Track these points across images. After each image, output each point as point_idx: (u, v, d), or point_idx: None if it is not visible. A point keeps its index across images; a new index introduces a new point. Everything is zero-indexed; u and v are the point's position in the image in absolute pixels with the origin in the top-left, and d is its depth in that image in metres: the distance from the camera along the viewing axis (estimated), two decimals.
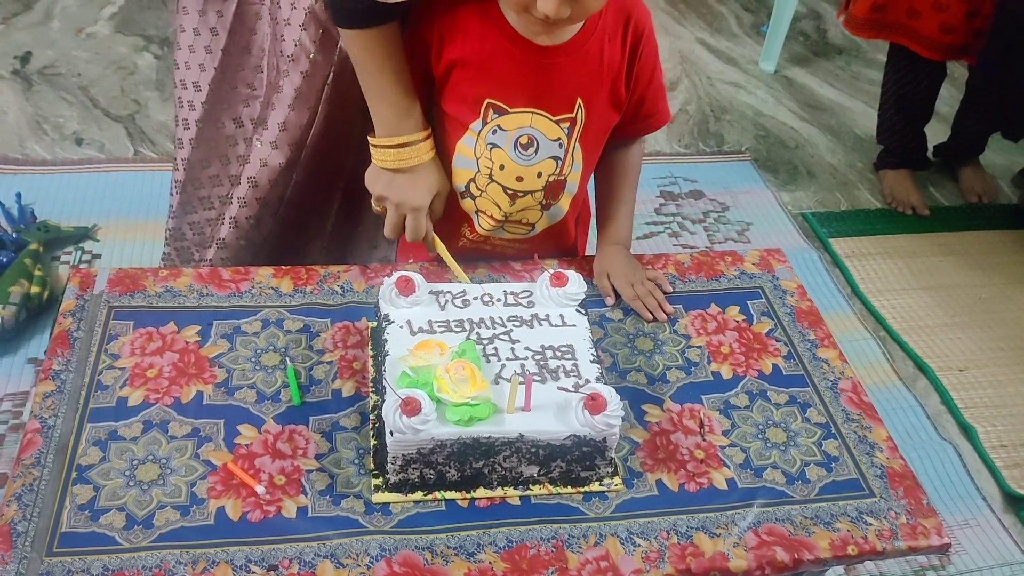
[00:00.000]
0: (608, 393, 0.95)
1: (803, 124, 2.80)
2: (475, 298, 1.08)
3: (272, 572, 0.87)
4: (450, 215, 1.22)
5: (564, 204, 1.23)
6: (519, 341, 1.03)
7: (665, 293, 1.22)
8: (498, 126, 1.14)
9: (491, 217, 1.21)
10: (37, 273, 1.83)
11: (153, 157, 2.30)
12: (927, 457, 1.78)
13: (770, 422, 1.08)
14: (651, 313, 1.18)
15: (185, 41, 1.32)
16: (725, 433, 1.06)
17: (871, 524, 0.98)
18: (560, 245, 1.30)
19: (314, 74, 1.23)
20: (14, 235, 1.93)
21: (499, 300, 1.09)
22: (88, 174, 2.21)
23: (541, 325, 1.06)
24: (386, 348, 1.01)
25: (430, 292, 1.08)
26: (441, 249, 1.18)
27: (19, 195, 2.03)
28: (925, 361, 1.99)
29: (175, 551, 0.88)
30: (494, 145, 1.15)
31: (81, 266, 1.95)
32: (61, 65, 2.56)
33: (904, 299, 2.17)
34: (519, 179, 1.17)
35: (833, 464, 1.04)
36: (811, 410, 1.10)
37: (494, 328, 1.05)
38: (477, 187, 1.19)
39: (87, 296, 1.12)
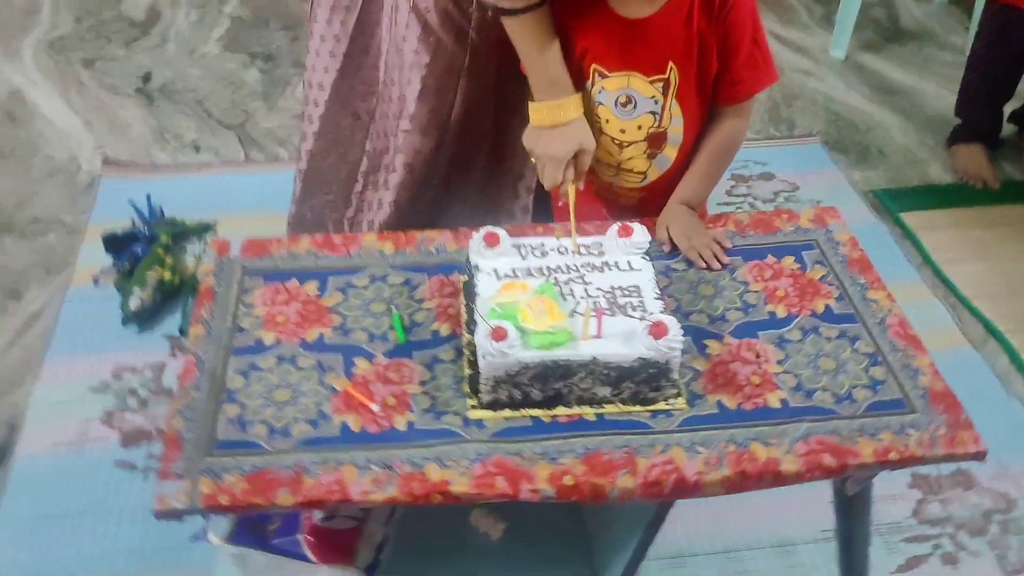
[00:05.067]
0: (670, 321, 1.09)
1: (874, 107, 2.86)
2: (552, 249, 1.24)
3: (387, 470, 1.04)
4: None
5: (670, 153, 1.40)
6: (591, 283, 1.18)
7: (724, 249, 1.35)
8: (602, 87, 1.34)
9: (607, 164, 1.42)
10: (168, 261, 2.07)
11: (261, 160, 2.54)
12: (993, 414, 1.84)
13: (821, 353, 1.20)
14: (706, 262, 1.31)
15: (314, 46, 1.54)
16: (779, 362, 1.18)
17: (912, 435, 1.09)
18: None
19: (452, 65, 1.45)
20: (147, 230, 2.18)
21: (574, 252, 1.24)
22: (206, 176, 2.46)
23: (611, 270, 1.21)
24: (476, 290, 1.17)
25: (513, 244, 1.24)
26: (571, 200, 1.33)
27: (149, 196, 2.28)
28: (995, 324, 2.05)
29: (309, 454, 1.05)
30: (600, 103, 1.36)
31: (202, 254, 2.18)
32: (178, 82, 2.84)
33: (975, 267, 2.23)
34: (622, 131, 1.37)
35: (878, 387, 1.15)
36: (860, 342, 1.21)
37: (569, 273, 1.20)
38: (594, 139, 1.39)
39: (224, 259, 1.33)
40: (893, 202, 2.43)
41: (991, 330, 2.05)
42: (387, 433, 1.08)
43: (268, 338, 1.20)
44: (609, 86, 1.34)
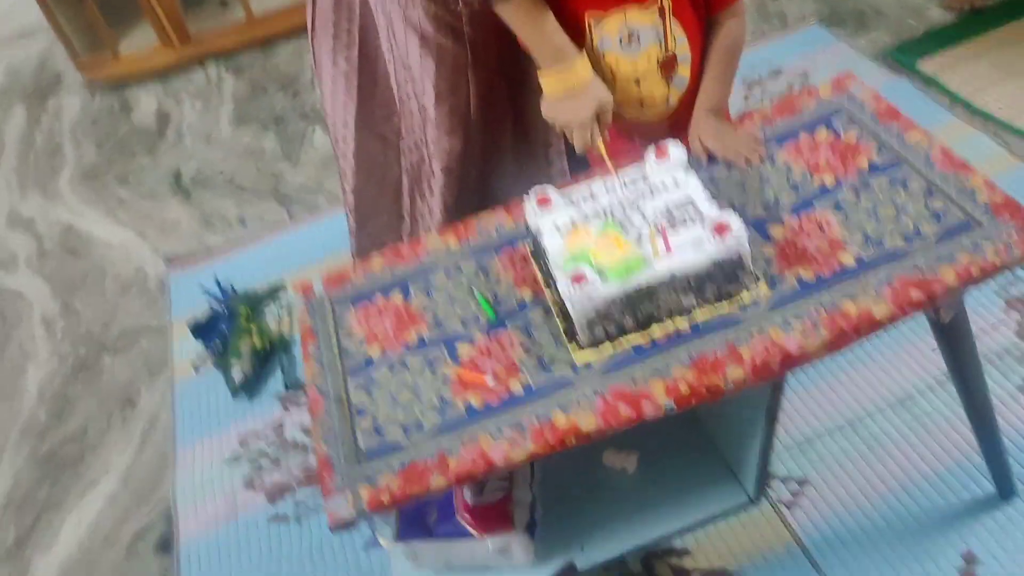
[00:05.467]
0: (729, 217, 1.15)
1: None
2: (601, 191, 1.31)
3: (519, 430, 1.12)
4: None
5: (684, 72, 1.45)
6: (646, 209, 1.25)
7: (759, 142, 1.40)
8: (603, 34, 1.40)
9: (629, 106, 1.47)
10: (254, 329, 2.19)
11: (304, 214, 2.66)
12: None
13: (879, 204, 1.24)
14: (747, 159, 1.36)
15: (327, 91, 1.64)
16: (843, 225, 1.23)
17: (987, 248, 1.13)
18: None
19: (457, 63, 1.53)
20: (225, 309, 2.30)
21: (620, 188, 1.31)
22: (260, 245, 2.58)
23: (660, 192, 1.27)
24: (545, 249, 1.25)
25: (564, 199, 1.31)
26: (603, 153, 1.40)
27: (216, 279, 2.41)
28: None
29: (446, 438, 1.14)
30: (605, 50, 1.41)
31: (281, 313, 2.30)
32: (205, 170, 2.98)
33: (1004, 89, 2.23)
34: (634, 67, 1.42)
35: (942, 216, 1.20)
36: (911, 182, 1.26)
37: (623, 207, 1.27)
38: (609, 88, 1.43)
39: (311, 299, 1.42)
40: (906, 56, 2.44)
41: None
42: (507, 400, 1.17)
43: (374, 352, 1.29)
44: (609, 28, 1.40)
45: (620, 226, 1.23)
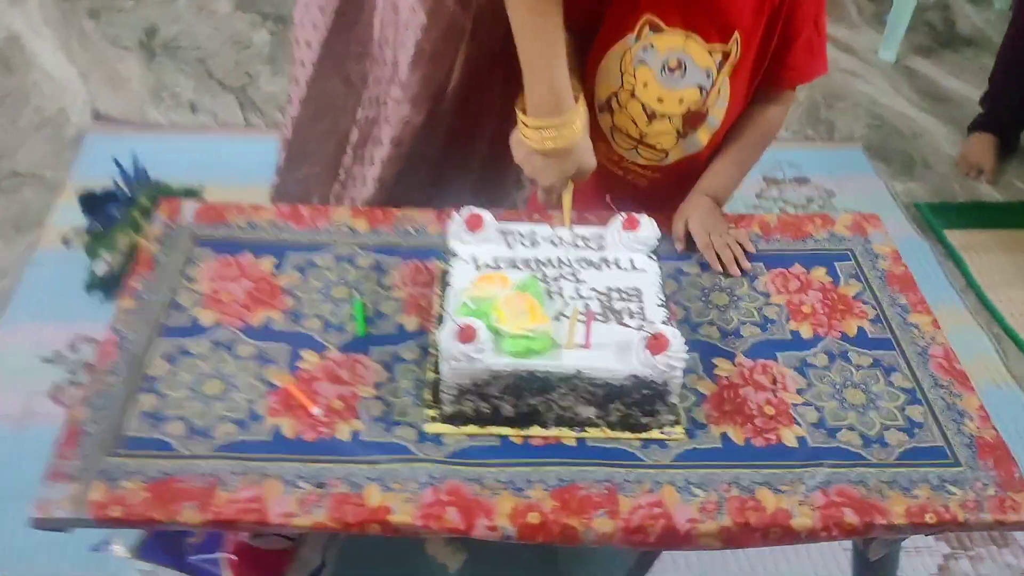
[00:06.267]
0: (672, 334, 0.91)
1: (922, 114, 2.66)
2: (544, 239, 1.07)
3: (320, 489, 0.87)
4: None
5: (702, 137, 1.21)
6: (585, 282, 1.01)
7: (747, 253, 1.17)
8: (651, 44, 1.13)
9: (627, 135, 1.21)
10: (144, 226, 1.92)
11: (261, 125, 2.39)
12: None
13: (849, 383, 1.01)
14: (724, 266, 1.13)
15: (303, 0, 1.37)
16: (799, 391, 1.00)
17: (954, 493, 0.90)
18: (694, 183, 1.23)
19: (452, 28, 1.24)
20: (127, 192, 2.02)
21: (570, 244, 1.07)
22: (200, 139, 2.31)
23: (610, 268, 1.03)
24: (449, 281, 1.00)
25: (499, 230, 1.06)
26: (565, 205, 1.12)
27: (135, 155, 2.12)
28: None
29: (230, 462, 0.89)
30: (642, 62, 1.14)
31: None
32: (183, 39, 2.69)
33: (1022, 294, 2.02)
34: (660, 100, 1.16)
35: (916, 430, 0.97)
36: (896, 374, 1.03)
37: (560, 268, 1.03)
38: (618, 102, 1.19)
39: (174, 225, 1.16)
40: (937, 218, 2.23)
41: None
42: (326, 443, 0.92)
43: (207, 318, 1.04)
44: (661, 45, 1.13)
45: (545, 290, 0.98)
